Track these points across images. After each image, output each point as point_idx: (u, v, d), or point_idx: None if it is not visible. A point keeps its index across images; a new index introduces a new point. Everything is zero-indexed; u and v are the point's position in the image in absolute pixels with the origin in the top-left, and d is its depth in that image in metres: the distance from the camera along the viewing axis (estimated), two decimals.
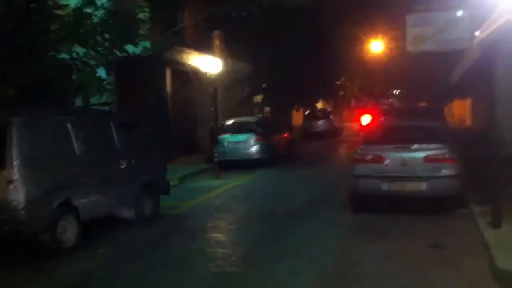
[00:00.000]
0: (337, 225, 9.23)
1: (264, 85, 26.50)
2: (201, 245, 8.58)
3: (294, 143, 21.92)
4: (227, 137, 18.09)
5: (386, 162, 9.78)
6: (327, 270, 6.86)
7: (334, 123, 31.75)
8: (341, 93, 39.74)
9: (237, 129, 18.51)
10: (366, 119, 27.28)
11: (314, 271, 6.76)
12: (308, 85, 25.73)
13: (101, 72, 11.55)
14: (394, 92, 51.06)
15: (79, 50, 10.45)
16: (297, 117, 33.05)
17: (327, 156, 21.09)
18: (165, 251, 8.22)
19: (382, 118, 12.90)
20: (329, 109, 35.43)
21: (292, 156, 20.03)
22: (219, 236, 9.19)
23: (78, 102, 11.26)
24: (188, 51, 19.70)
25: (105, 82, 11.48)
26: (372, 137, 10.79)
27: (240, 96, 25.31)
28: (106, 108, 11.27)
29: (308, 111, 32.40)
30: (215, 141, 17.64)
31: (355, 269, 6.78)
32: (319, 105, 37.13)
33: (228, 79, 23.54)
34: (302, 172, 16.51)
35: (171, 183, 11.61)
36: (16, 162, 7.54)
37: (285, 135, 20.70)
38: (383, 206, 9.84)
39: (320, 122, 30.91)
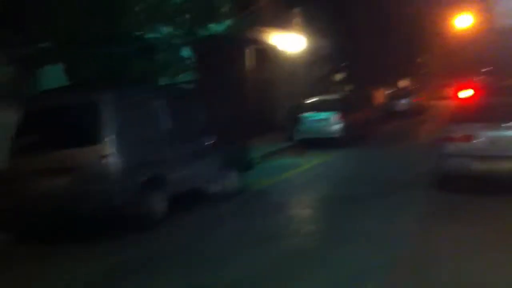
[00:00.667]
0: (421, 205, 8.94)
1: (344, 63, 26.08)
2: (283, 221, 8.61)
3: (376, 122, 21.48)
4: (307, 115, 17.98)
5: (476, 141, 9.34)
6: (409, 252, 6.64)
7: (417, 102, 30.79)
8: (424, 71, 38.46)
9: (318, 107, 18.34)
10: (457, 96, 26.21)
11: (395, 252, 6.58)
12: (390, 63, 25.06)
13: (184, 52, 11.78)
14: (484, 69, 48.79)
15: (162, 30, 10.68)
16: (379, 96, 32.33)
17: (409, 135, 20.50)
18: (246, 226, 8.33)
19: (473, 95, 12.33)
20: (412, 88, 34.38)
21: (374, 135, 19.65)
22: (301, 213, 9.19)
23: (162, 80, 11.53)
24: (267, 29, 19.66)
25: (187, 61, 11.70)
26: (462, 115, 10.33)
27: (320, 75, 25.05)
28: (190, 86, 11.50)
29: (390, 90, 31.60)
30: (296, 120, 17.59)
31: (437, 252, 6.52)
32: (402, 83, 36.11)
33: (308, 57, 23.33)
34: (383, 151, 16.16)
35: (253, 160, 11.70)
36: (108, 138, 7.85)
37: (366, 113, 20.30)
38: (471, 186, 9.45)
39: (403, 100, 30.03)
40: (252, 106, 18.94)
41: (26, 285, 6.46)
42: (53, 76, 10.62)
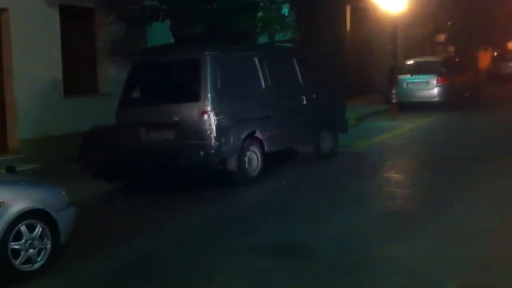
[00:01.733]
0: None
1: (448, 23, 24.90)
2: (378, 183, 8.61)
3: (480, 86, 20.49)
4: (406, 78, 17.49)
5: None
6: (509, 216, 6.48)
7: None
8: None
9: (417, 69, 17.76)
10: None
11: (495, 216, 6.41)
12: (498, 23, 23.62)
13: (284, 10, 11.80)
14: None
15: None
16: (484, 58, 30.71)
17: None
18: (342, 187, 8.41)
19: None
20: None
21: (477, 99, 18.80)
22: (397, 176, 9.13)
23: (263, 39, 11.66)
24: None
25: (287, 20, 11.72)
26: None
27: (421, 35, 24.12)
28: (289, 45, 11.54)
29: (497, 52, 29.90)
30: (394, 82, 17.19)
31: None
32: (509, 45, 33.99)
33: (410, 16, 22.48)
34: (486, 116, 15.46)
35: (349, 122, 11.67)
36: (209, 95, 8.16)
37: (469, 77, 19.43)
38: None
39: (510, 64, 28.38)
40: (351, 67, 18.70)
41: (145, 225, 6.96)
42: (159, 33, 11.07)
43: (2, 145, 9.51)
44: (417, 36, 23.59)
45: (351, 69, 18.74)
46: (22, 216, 5.23)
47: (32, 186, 5.78)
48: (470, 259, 5.19)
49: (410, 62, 18.48)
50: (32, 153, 9.34)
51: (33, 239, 5.30)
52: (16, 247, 5.18)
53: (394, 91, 16.14)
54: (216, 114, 8.17)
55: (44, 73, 9.94)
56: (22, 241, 5.22)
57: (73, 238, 5.85)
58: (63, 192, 5.81)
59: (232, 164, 8.41)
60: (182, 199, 8.12)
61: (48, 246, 5.41)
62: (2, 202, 5.13)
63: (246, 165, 8.59)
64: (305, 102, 9.83)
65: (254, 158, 8.73)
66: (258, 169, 8.79)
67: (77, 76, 10.84)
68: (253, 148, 8.70)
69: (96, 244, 6.26)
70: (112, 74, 11.11)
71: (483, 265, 5.05)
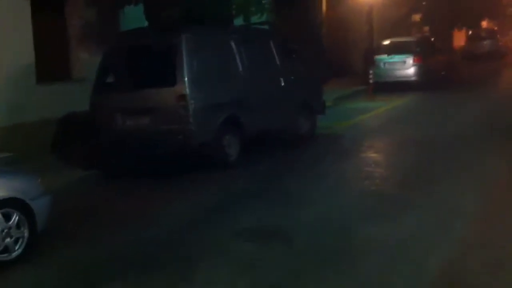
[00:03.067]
0: (503, 152, 8.65)
1: (423, 3, 24.98)
2: (357, 164, 8.61)
3: (455, 65, 20.67)
4: (383, 58, 17.55)
5: None
6: (491, 194, 6.52)
7: (500, 44, 29.26)
8: (510, 11, 36.21)
9: (394, 49, 17.83)
10: None
11: (475, 195, 6.46)
12: (472, 3, 23.77)
13: None
14: None
15: None
16: (459, 38, 30.94)
17: (490, 80, 19.66)
18: (322, 168, 8.39)
19: None
20: (495, 29, 32.61)
21: (452, 78, 18.96)
22: (376, 157, 9.15)
23: (238, 21, 11.53)
24: None
25: (264, 2, 11.59)
26: None
27: (397, 16, 24.17)
28: (265, 27, 11.43)
29: (471, 31, 30.13)
30: (370, 63, 17.22)
31: None
32: (484, 24, 34.29)
33: None
34: (462, 96, 15.61)
35: (326, 104, 11.65)
36: (186, 78, 8.03)
37: (445, 56, 19.55)
38: None
39: (485, 42, 28.65)
40: (327, 48, 18.64)
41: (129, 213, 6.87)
42: (133, 17, 10.86)
43: None
44: (393, 16, 23.63)
45: (329, 51, 18.70)
46: None
47: (5, 175, 5.64)
48: (451, 239, 5.20)
49: (386, 42, 18.52)
50: (5, 142, 9.13)
51: (10, 228, 5.20)
52: None
53: (371, 72, 16.18)
54: (193, 98, 8.05)
55: (16, 60, 9.69)
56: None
57: (51, 226, 5.74)
58: (38, 180, 5.70)
59: (210, 149, 8.33)
60: (160, 185, 8.01)
61: (26, 234, 5.32)
62: None
63: (226, 149, 8.52)
64: (282, 84, 9.76)
65: (233, 141, 8.65)
66: (237, 153, 8.72)
67: (50, 62, 10.57)
68: (232, 131, 8.61)
69: (75, 232, 6.15)
70: (86, 60, 10.87)
71: (465, 245, 5.07)
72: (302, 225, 5.88)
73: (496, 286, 4.28)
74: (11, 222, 5.22)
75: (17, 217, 5.26)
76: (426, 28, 26.69)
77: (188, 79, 8.03)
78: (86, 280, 4.92)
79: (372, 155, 9.24)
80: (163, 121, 8.11)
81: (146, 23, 10.34)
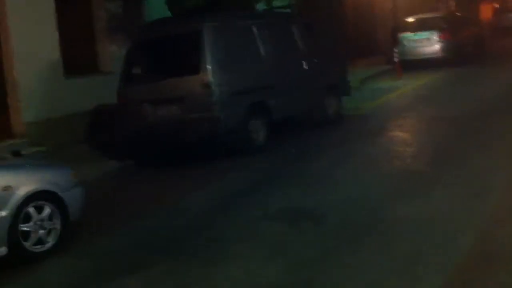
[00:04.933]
0: None
1: None
2: (387, 144, 8.59)
3: (482, 40, 20.24)
4: (408, 36, 17.30)
5: None
6: None
7: None
8: None
9: (419, 26, 17.54)
10: None
11: (506, 171, 6.38)
12: None
13: None
14: None
15: None
16: (487, 11, 30.25)
17: None
18: (350, 149, 8.40)
19: None
20: None
21: (481, 53, 18.61)
22: (405, 136, 9.10)
23: (260, 6, 11.51)
24: None
25: None
26: None
27: None
28: (287, 11, 11.40)
29: (498, 4, 29.42)
30: (396, 41, 17.00)
31: None
32: None
33: None
34: (490, 71, 15.33)
35: (352, 85, 11.60)
36: (210, 66, 8.08)
37: (472, 31, 19.18)
38: None
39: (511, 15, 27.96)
40: (352, 29, 18.48)
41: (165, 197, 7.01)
42: (158, 8, 10.93)
43: (6, 129, 9.50)
44: None
45: (353, 31, 18.52)
46: (30, 198, 5.27)
47: (38, 168, 5.82)
48: (484, 214, 5.18)
49: (411, 19, 18.24)
50: (37, 136, 9.33)
51: (42, 220, 5.35)
52: (26, 229, 5.23)
53: (396, 50, 15.98)
54: (218, 86, 8.11)
55: (43, 54, 9.86)
56: (31, 222, 5.27)
57: (84, 217, 5.89)
58: (70, 172, 5.84)
59: (238, 135, 8.39)
60: (191, 173, 8.12)
61: (58, 226, 5.47)
62: (9, 186, 5.17)
63: (253, 134, 8.56)
64: (307, 68, 9.74)
65: (259, 126, 8.69)
66: (264, 137, 8.76)
67: (77, 55, 10.75)
68: (258, 117, 8.65)
69: (109, 221, 6.29)
70: (113, 52, 11.01)
71: (497, 218, 5.05)
72: (333, 205, 5.90)
73: None
74: (44, 215, 5.36)
75: (49, 209, 5.40)
76: (453, 3, 26.18)
77: (212, 67, 8.09)
78: (118, 267, 5.02)
79: (400, 134, 9.19)
80: (190, 109, 8.19)
81: (169, 13, 10.43)
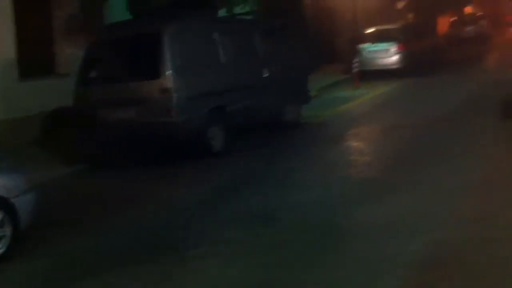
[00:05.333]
0: (487, 133, 8.73)
1: None
2: (342, 151, 8.72)
3: (439, 51, 20.76)
4: (367, 46, 17.61)
5: None
6: (477, 178, 6.53)
7: (485, 29, 29.41)
8: None
9: (378, 37, 17.89)
10: None
11: (458, 177, 6.50)
12: None
13: None
14: None
15: None
16: (443, 23, 31.06)
17: (475, 64, 19.77)
18: (307, 156, 8.48)
19: None
20: (480, 14, 32.75)
21: (437, 64, 19.06)
22: (360, 144, 9.24)
23: (221, 12, 11.53)
24: None
25: None
26: None
27: (381, 3, 24.21)
28: (249, 17, 11.45)
29: (455, 17, 30.26)
30: (355, 51, 17.28)
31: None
32: (468, 9, 34.45)
33: None
34: (447, 81, 15.72)
35: (311, 93, 11.71)
36: (169, 71, 8.04)
37: (429, 42, 19.64)
38: None
39: (469, 28, 28.80)
40: (312, 37, 18.66)
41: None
42: (118, 10, 10.83)
43: None
44: (377, 4, 23.67)
45: (314, 40, 18.70)
46: None
47: None
48: (437, 219, 5.28)
49: (370, 30, 18.56)
50: None
51: None
52: None
53: (355, 60, 16.23)
54: (177, 91, 8.07)
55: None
56: None
57: (40, 221, 5.74)
58: (22, 177, 5.64)
59: (197, 140, 8.35)
60: (148, 176, 8.06)
61: (8, 233, 5.28)
62: None
63: (211, 139, 8.55)
64: (267, 74, 9.80)
65: (218, 131, 8.69)
66: (223, 142, 8.76)
67: (33, 57, 10.53)
68: (217, 122, 8.65)
69: (61, 227, 6.16)
70: (70, 54, 10.82)
71: (451, 223, 5.17)
72: (291, 209, 5.96)
73: (482, 260, 4.34)
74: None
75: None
76: (411, 15, 26.77)
77: (171, 71, 8.05)
78: (73, 272, 4.95)
79: (356, 143, 9.33)
80: (148, 113, 8.12)
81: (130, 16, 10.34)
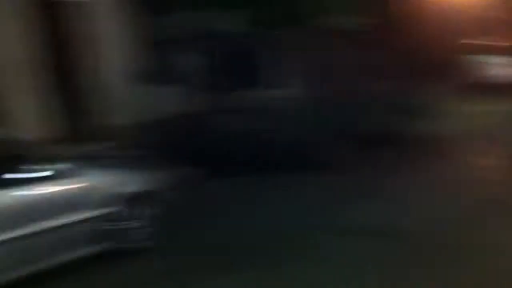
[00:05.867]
0: None
1: None
2: (468, 168, 8.30)
3: None
4: (479, 58, 16.77)
5: None
6: None
7: None
8: None
9: (489, 50, 17.10)
10: None
11: None
12: None
13: None
14: None
15: None
16: None
17: None
18: (426, 171, 8.15)
19: None
20: None
21: None
22: (487, 162, 8.74)
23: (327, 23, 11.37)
24: None
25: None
26: None
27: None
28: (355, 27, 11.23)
29: None
30: (465, 63, 16.54)
31: None
32: None
33: None
34: None
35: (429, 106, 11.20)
36: (283, 80, 8.18)
37: None
38: None
39: None
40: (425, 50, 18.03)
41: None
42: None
43: (96, 133, 9.77)
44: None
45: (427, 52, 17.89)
46: (128, 197, 5.48)
47: (129, 170, 5.97)
48: None
49: (480, 42, 17.67)
50: (126, 140, 9.48)
51: (134, 219, 5.52)
52: (120, 227, 5.41)
53: (468, 73, 15.59)
54: (300, 100, 8.05)
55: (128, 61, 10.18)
56: (125, 222, 5.46)
57: (172, 218, 5.95)
58: (159, 174, 6.02)
59: (311, 150, 8.29)
60: (264, 185, 8.03)
61: (149, 228, 5.63)
62: (110, 186, 5.39)
63: (325, 150, 8.36)
64: (379, 87, 9.55)
65: (332, 143, 8.43)
66: (338, 154, 8.46)
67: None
68: (331, 132, 8.45)
69: (192, 223, 6.37)
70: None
71: None
72: (416, 225, 5.80)
73: None
74: (135, 214, 5.53)
75: (140, 209, 5.57)
76: None
77: (285, 81, 8.06)
78: (213, 266, 5.08)
79: (480, 160, 8.83)
80: (271, 122, 8.17)
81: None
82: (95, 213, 5.22)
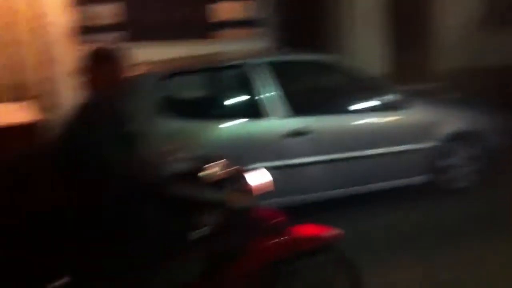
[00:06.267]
0: None
1: None
2: None
3: None
4: None
5: None
6: None
7: None
8: None
9: None
10: None
11: None
12: None
13: None
14: None
15: None
16: None
17: None
18: None
19: None
20: None
21: None
22: None
23: None
24: None
25: None
26: None
27: None
28: None
29: None
30: None
31: None
32: None
33: None
34: None
35: None
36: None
37: None
38: None
39: None
40: None
41: None
42: None
43: (425, 73, 10.15)
44: None
45: None
46: (448, 136, 5.79)
47: (456, 110, 6.19)
48: None
49: None
50: (455, 83, 9.75)
51: (454, 157, 5.84)
52: (440, 163, 5.77)
53: None
54: None
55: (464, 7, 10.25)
56: (445, 158, 5.80)
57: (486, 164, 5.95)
58: (485, 119, 6.07)
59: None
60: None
61: (467, 167, 5.87)
62: (431, 123, 5.75)
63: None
64: None
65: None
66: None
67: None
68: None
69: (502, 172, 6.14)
70: None
71: None
72: None
73: None
74: (456, 152, 5.84)
75: (461, 148, 5.82)
76: None
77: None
78: None
79: None
80: None
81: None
82: (421, 145, 5.68)
